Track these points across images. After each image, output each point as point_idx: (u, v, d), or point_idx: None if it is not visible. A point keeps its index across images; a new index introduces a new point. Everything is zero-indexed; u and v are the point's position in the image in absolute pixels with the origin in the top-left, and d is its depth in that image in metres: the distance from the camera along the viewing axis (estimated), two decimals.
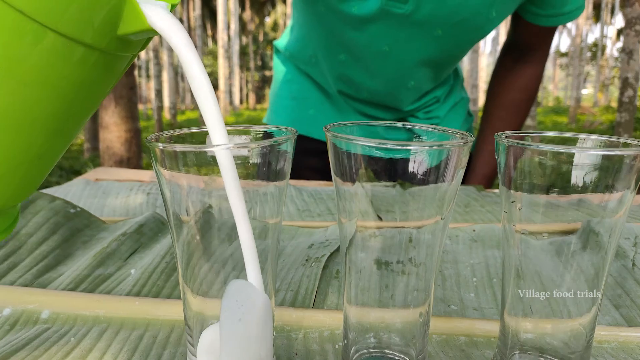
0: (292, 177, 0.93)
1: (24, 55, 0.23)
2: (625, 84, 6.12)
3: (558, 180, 0.28)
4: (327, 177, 0.91)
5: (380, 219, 0.30)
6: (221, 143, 0.26)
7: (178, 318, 0.40)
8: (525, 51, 0.88)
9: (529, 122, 7.74)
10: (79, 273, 0.46)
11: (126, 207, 0.70)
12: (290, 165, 0.30)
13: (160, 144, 0.26)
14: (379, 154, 0.27)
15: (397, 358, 0.32)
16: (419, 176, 0.27)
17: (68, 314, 0.40)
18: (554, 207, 0.29)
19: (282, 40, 1.02)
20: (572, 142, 0.31)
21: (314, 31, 0.87)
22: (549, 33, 0.85)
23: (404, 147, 0.26)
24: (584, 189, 0.27)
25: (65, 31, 0.23)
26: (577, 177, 0.27)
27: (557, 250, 0.30)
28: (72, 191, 0.75)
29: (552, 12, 0.78)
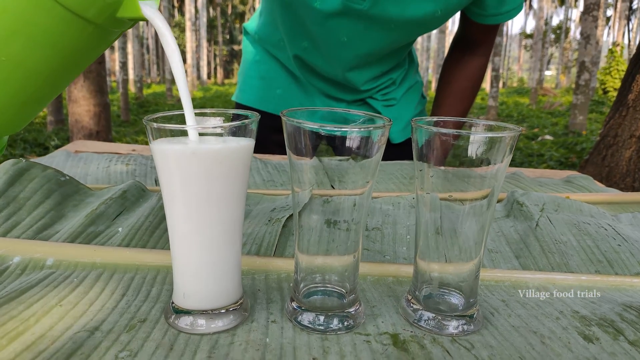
0: (258, 151, 1.01)
1: (39, 22, 0.31)
2: (582, 67, 6.38)
3: (457, 155, 0.37)
4: None
5: (332, 187, 0.39)
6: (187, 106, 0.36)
7: (162, 264, 0.48)
8: (472, 45, 0.99)
9: (491, 102, 7.98)
10: (74, 230, 0.54)
11: (107, 176, 0.77)
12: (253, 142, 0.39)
13: (154, 123, 0.35)
14: (322, 134, 0.36)
15: (335, 290, 0.42)
16: (354, 151, 0.36)
17: (69, 261, 0.48)
18: (453, 176, 0.38)
19: (252, 23, 1.09)
20: (470, 127, 0.41)
21: (280, 18, 0.94)
22: (492, 30, 0.95)
23: (341, 129, 0.35)
24: (476, 161, 0.37)
25: (72, 7, 0.32)
26: (470, 152, 0.37)
27: (457, 210, 0.40)
28: (55, 162, 0.82)
29: (493, 12, 0.88)
